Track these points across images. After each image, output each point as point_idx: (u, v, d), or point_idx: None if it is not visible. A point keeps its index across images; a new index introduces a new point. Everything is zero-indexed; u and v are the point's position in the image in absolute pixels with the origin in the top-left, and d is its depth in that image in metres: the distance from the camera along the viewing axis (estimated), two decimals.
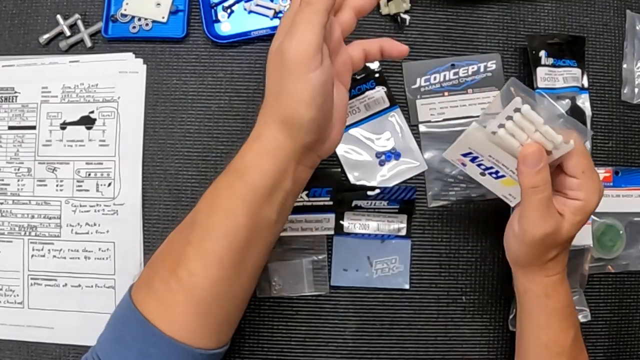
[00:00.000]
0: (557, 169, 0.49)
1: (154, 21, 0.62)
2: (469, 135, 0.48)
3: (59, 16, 0.62)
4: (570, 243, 0.50)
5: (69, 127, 0.62)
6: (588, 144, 0.61)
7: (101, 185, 0.61)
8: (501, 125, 0.47)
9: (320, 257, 0.61)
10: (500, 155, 0.48)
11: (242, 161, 0.45)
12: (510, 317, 0.61)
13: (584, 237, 0.59)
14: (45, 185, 0.61)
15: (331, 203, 0.60)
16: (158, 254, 0.47)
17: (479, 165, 0.50)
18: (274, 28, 0.61)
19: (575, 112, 0.61)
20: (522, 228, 0.48)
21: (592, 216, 0.61)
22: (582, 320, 0.60)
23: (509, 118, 0.46)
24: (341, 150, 0.61)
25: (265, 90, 0.47)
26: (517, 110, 0.46)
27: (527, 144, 0.46)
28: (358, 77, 0.62)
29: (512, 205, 0.52)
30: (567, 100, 0.61)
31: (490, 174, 0.51)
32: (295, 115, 0.44)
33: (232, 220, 0.44)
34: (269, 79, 0.46)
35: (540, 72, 0.61)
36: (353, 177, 0.61)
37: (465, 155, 0.50)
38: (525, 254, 0.50)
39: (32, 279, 0.61)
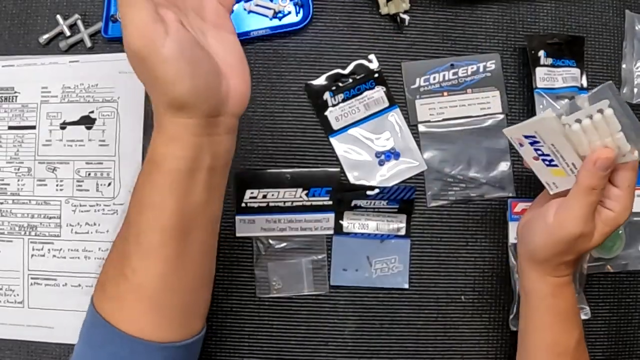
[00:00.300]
0: None
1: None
2: (542, 120, 0.48)
3: (58, 16, 0.62)
4: (588, 253, 0.51)
5: (68, 127, 0.62)
6: None
7: (101, 185, 0.61)
8: (578, 121, 0.47)
9: (319, 256, 0.61)
10: (563, 147, 0.48)
11: (154, 152, 0.43)
12: (511, 316, 0.61)
13: None
14: (45, 185, 0.61)
15: (330, 203, 0.60)
16: (107, 256, 0.47)
17: (536, 150, 0.50)
18: (274, 28, 0.62)
19: (575, 112, 0.61)
20: (560, 222, 0.48)
21: None
22: (583, 317, 0.61)
23: (589, 116, 0.46)
24: (341, 150, 0.61)
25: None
26: (600, 111, 0.46)
27: (603, 147, 0.46)
28: (358, 77, 0.62)
29: (551, 192, 0.52)
30: (566, 100, 0.61)
31: (543, 160, 0.51)
32: (173, 96, 0.41)
33: (160, 212, 0.43)
34: (136, 73, 0.42)
35: (540, 72, 0.61)
36: (352, 177, 0.61)
37: (527, 137, 0.50)
38: (548, 249, 0.50)
39: (32, 278, 0.61)
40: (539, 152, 0.50)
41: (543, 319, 0.51)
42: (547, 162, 0.50)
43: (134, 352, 0.43)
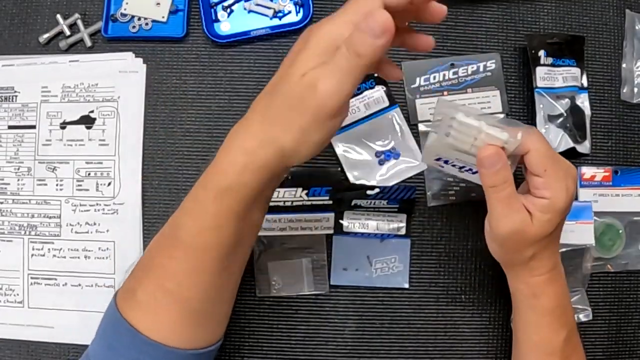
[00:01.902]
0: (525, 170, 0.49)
1: (153, 21, 0.62)
2: (430, 146, 0.50)
3: (58, 16, 0.62)
4: (550, 242, 0.49)
5: (68, 127, 0.62)
6: (587, 144, 0.61)
7: (101, 184, 0.61)
8: (448, 134, 0.48)
9: (319, 256, 0.61)
10: (464, 157, 0.49)
11: (228, 176, 0.42)
12: (512, 316, 0.61)
13: (585, 236, 0.59)
14: (45, 184, 0.61)
15: (331, 202, 0.60)
16: (140, 266, 0.47)
17: (453, 166, 0.52)
18: (274, 27, 0.61)
19: (575, 111, 0.61)
20: (490, 225, 0.49)
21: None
22: (584, 319, 0.60)
23: (451, 127, 0.47)
24: (341, 149, 0.61)
25: (264, 98, 0.43)
26: (454, 118, 0.47)
27: (483, 146, 0.47)
28: None
29: None
30: (566, 100, 0.61)
31: (466, 171, 0.52)
32: (297, 152, 0.42)
33: (221, 234, 0.43)
34: (278, 95, 0.41)
35: (540, 71, 0.61)
36: (352, 177, 0.61)
37: (437, 160, 0.52)
38: (499, 252, 0.51)
39: (32, 278, 0.61)
40: (457, 167, 0.51)
41: (528, 319, 0.52)
42: (470, 172, 0.52)
43: (158, 358, 0.44)
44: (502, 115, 0.62)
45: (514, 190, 0.47)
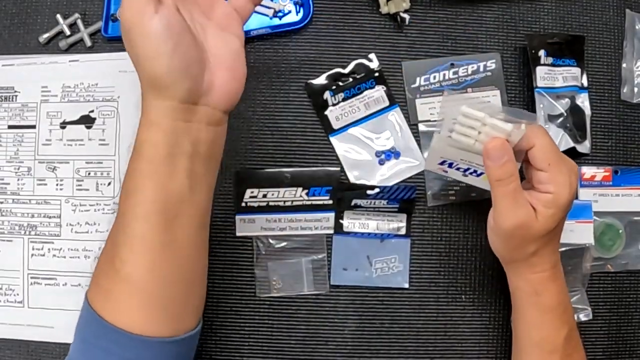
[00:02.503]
0: (529, 163, 0.50)
1: None
2: (434, 147, 0.50)
3: (58, 15, 0.62)
4: (552, 238, 0.49)
5: (68, 127, 0.62)
6: (587, 143, 0.61)
7: (101, 184, 0.61)
8: (451, 130, 0.48)
9: (319, 256, 0.61)
10: (469, 156, 0.50)
11: (137, 138, 0.44)
12: (512, 316, 0.61)
13: (585, 236, 0.59)
14: (45, 184, 0.61)
15: (331, 202, 0.60)
16: (102, 250, 0.47)
17: (457, 169, 0.52)
18: (274, 27, 0.61)
19: (575, 111, 0.61)
20: (495, 220, 0.49)
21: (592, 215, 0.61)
22: (584, 318, 0.60)
23: (455, 122, 0.48)
24: (341, 149, 0.61)
25: None
26: (458, 111, 0.47)
27: (489, 139, 0.47)
28: (358, 76, 0.62)
29: None
30: (566, 100, 0.61)
31: (470, 174, 0.52)
32: (151, 72, 0.42)
33: (141, 199, 0.43)
34: (126, 47, 0.44)
35: (540, 71, 0.61)
36: (353, 176, 0.61)
37: (441, 164, 0.52)
38: (503, 247, 0.51)
39: (32, 278, 0.61)
40: (461, 170, 0.52)
41: (529, 317, 0.52)
42: (474, 175, 0.52)
43: (126, 346, 0.43)
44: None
45: (520, 185, 0.48)
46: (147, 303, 0.44)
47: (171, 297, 0.45)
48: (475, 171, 0.51)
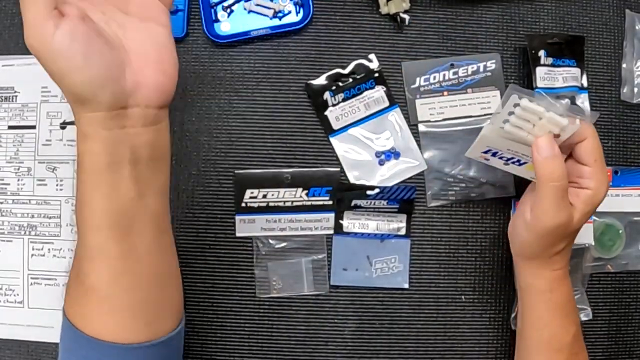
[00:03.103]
0: (569, 159, 0.50)
1: None
2: (483, 137, 0.51)
3: None
4: (575, 236, 0.51)
5: (69, 127, 0.62)
6: None
7: None
8: (506, 121, 0.49)
9: (319, 256, 0.61)
10: (517, 147, 0.50)
11: (77, 151, 0.43)
12: (512, 315, 0.61)
13: (585, 235, 0.59)
14: (45, 184, 0.61)
15: (331, 202, 0.60)
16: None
17: (500, 158, 0.52)
18: (274, 28, 0.61)
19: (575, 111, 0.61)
20: (536, 217, 0.48)
21: (592, 215, 0.61)
22: (584, 318, 0.61)
23: (511, 114, 0.48)
24: (341, 149, 0.61)
25: None
26: (517, 105, 0.47)
27: (542, 135, 0.47)
28: (358, 77, 0.62)
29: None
30: (566, 100, 0.61)
31: (512, 163, 0.52)
32: (69, 88, 0.41)
33: (91, 210, 0.42)
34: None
35: (540, 71, 0.61)
36: (352, 177, 0.61)
37: (485, 152, 0.52)
38: (535, 244, 0.50)
39: (32, 278, 0.61)
40: (505, 159, 0.52)
41: (540, 315, 0.52)
42: (517, 164, 0.52)
43: (104, 355, 0.43)
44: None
45: (567, 184, 0.48)
46: (116, 311, 0.43)
47: (140, 303, 0.44)
48: (518, 160, 0.52)
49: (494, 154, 0.53)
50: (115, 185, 0.42)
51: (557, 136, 0.48)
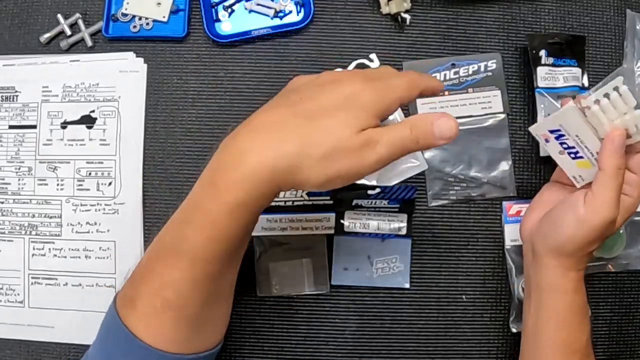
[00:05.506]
0: None
1: (154, 20, 0.62)
2: (565, 112, 0.49)
3: (59, 15, 0.62)
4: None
5: (69, 127, 0.62)
6: None
7: (102, 184, 0.61)
8: (597, 102, 0.48)
9: (320, 256, 0.61)
10: (587, 137, 0.49)
11: (246, 191, 0.41)
12: (511, 318, 0.61)
13: None
14: (46, 184, 0.61)
15: (331, 202, 0.60)
16: (139, 273, 0.46)
17: (561, 144, 0.51)
18: (275, 27, 0.62)
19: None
20: (594, 210, 0.48)
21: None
22: None
23: (607, 96, 0.47)
24: None
25: (288, 114, 0.43)
26: (616, 89, 0.47)
27: (614, 127, 0.47)
28: None
29: (578, 186, 0.52)
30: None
31: (569, 153, 0.51)
32: (306, 178, 0.41)
33: (229, 246, 0.43)
34: (318, 120, 0.41)
35: (541, 71, 0.61)
36: None
37: (552, 131, 0.51)
38: (580, 238, 0.49)
39: (32, 278, 0.61)
40: (565, 146, 0.51)
41: (561, 316, 0.51)
42: (572, 155, 0.51)
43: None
44: (502, 116, 0.62)
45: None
46: (191, 327, 0.44)
47: (204, 318, 0.46)
48: (576, 152, 0.51)
49: (558, 137, 0.51)
50: (245, 225, 0.43)
51: (628, 137, 0.48)
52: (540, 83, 0.61)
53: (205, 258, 0.42)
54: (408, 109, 0.62)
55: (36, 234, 0.61)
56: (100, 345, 0.46)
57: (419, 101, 0.62)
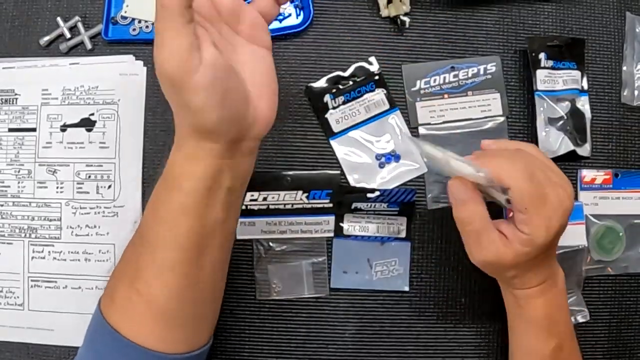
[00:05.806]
0: None
1: (153, 23, 0.62)
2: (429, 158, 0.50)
3: (59, 18, 0.62)
4: (535, 264, 0.47)
5: (69, 129, 0.62)
6: (588, 147, 0.61)
7: (101, 187, 0.61)
8: (428, 156, 0.48)
9: (320, 259, 0.61)
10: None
11: (173, 169, 0.42)
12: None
13: (578, 237, 0.59)
14: (46, 187, 0.61)
15: (331, 205, 0.60)
16: (117, 268, 0.46)
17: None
18: (274, 30, 0.61)
19: (575, 114, 0.61)
20: (467, 251, 0.49)
21: (592, 218, 0.61)
22: (581, 320, 0.60)
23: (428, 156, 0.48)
24: (341, 152, 0.61)
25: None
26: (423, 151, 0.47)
27: (452, 179, 0.47)
28: (358, 80, 0.62)
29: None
30: (566, 103, 0.61)
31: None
32: (199, 124, 0.40)
33: (176, 230, 0.42)
34: (164, 92, 0.40)
35: (540, 74, 0.61)
36: (353, 180, 0.61)
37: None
38: (482, 269, 0.50)
39: (32, 280, 0.61)
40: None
41: (515, 326, 0.52)
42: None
43: None
44: (502, 119, 0.62)
45: (485, 225, 0.47)
46: (168, 323, 0.44)
47: (190, 316, 0.45)
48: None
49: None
50: (208, 209, 0.42)
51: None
52: (540, 86, 0.61)
53: (159, 245, 0.42)
54: (408, 113, 0.62)
55: (36, 237, 0.61)
56: (87, 345, 0.46)
57: (418, 104, 0.62)
